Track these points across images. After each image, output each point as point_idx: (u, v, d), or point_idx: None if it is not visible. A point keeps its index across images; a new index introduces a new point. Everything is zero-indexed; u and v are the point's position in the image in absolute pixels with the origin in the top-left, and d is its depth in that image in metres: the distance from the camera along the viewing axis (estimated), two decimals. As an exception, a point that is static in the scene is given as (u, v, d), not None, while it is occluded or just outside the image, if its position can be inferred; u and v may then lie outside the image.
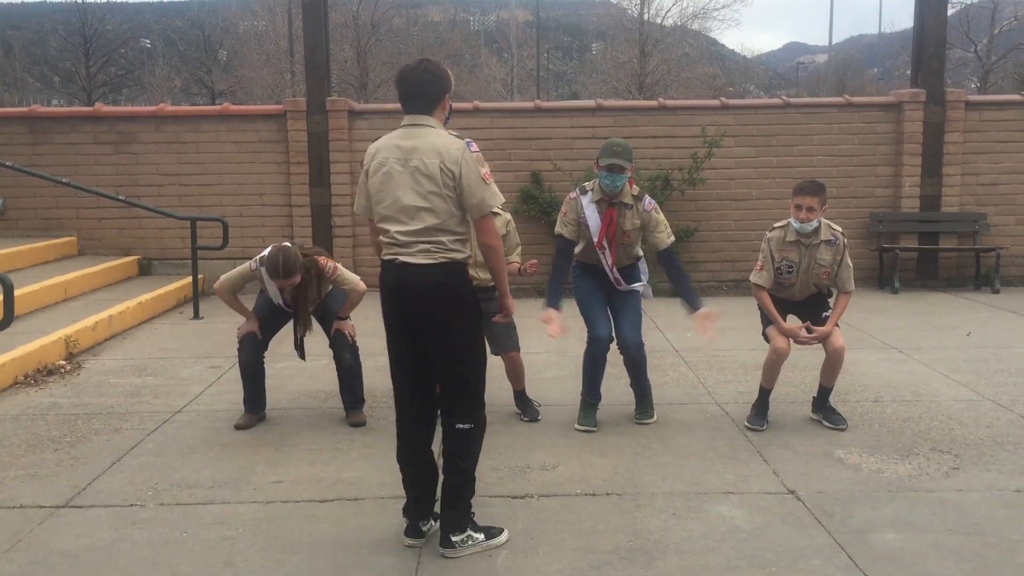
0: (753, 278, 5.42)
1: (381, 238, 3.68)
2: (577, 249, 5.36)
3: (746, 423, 5.31)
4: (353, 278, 5.46)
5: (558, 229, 5.38)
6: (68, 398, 6.05)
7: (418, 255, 3.55)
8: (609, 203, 5.20)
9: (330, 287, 5.52)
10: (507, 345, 5.46)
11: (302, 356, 5.63)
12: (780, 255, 5.27)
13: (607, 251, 5.24)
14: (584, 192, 5.29)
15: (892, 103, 10.75)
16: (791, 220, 5.21)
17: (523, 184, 10.43)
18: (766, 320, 5.43)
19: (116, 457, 4.86)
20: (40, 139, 10.55)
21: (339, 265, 5.46)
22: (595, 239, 5.21)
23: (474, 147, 3.56)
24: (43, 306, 8.16)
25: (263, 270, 5.23)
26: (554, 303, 5.16)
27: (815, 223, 5.14)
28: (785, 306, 5.37)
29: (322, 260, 5.37)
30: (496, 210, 5.24)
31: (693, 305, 5.32)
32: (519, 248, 5.53)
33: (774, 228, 5.37)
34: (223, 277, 5.43)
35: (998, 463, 4.66)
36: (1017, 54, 36.60)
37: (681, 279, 5.36)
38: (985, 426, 5.29)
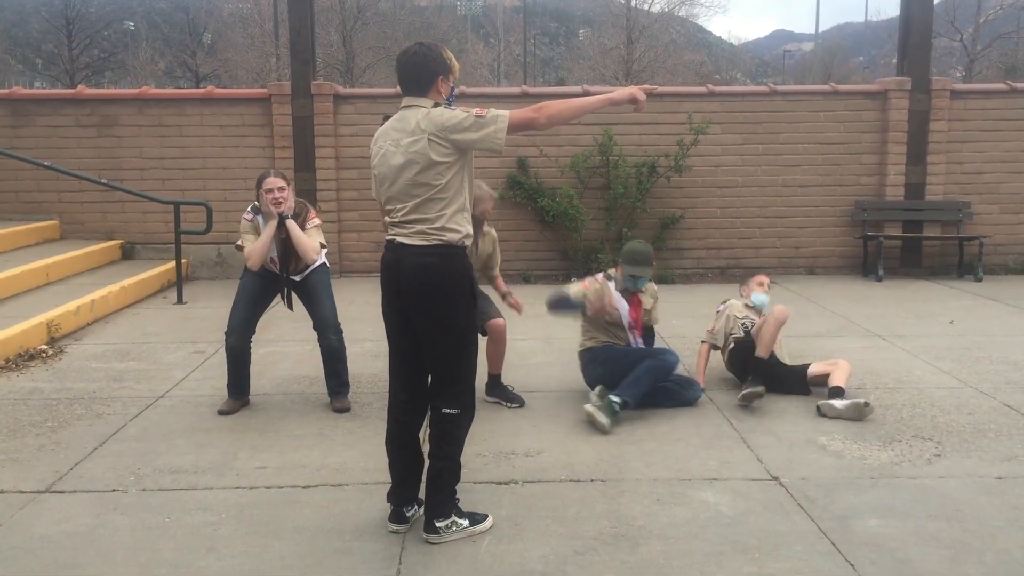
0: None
1: (386, 219, 3.71)
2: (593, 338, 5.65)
3: (739, 398, 5.37)
4: (319, 244, 5.47)
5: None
6: (50, 383, 6.01)
7: (413, 236, 3.55)
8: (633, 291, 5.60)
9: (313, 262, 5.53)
10: (490, 311, 5.50)
11: (290, 307, 5.59)
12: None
13: (634, 330, 5.58)
14: (610, 278, 5.59)
15: (878, 91, 10.77)
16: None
17: (509, 170, 10.40)
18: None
19: (98, 442, 4.83)
20: (21, 121, 10.43)
21: (320, 225, 5.57)
22: (625, 321, 5.53)
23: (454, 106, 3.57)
24: (24, 290, 8.09)
25: (259, 215, 5.33)
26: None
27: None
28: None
29: (312, 212, 5.50)
30: (487, 227, 5.48)
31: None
32: (500, 263, 5.81)
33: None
34: (246, 252, 5.34)
35: (979, 450, 4.69)
36: (1002, 43, 36.79)
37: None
38: (967, 413, 5.32)
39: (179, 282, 9.00)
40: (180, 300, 8.88)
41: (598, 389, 5.36)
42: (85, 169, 9.97)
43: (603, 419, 4.98)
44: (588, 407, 5.09)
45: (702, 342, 6.02)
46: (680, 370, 5.72)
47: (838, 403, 5.21)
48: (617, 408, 5.06)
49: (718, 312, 6.06)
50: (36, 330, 6.86)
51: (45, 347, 6.78)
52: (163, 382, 6.03)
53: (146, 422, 5.19)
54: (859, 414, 5.16)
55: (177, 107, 10.53)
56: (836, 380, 5.43)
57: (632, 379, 5.20)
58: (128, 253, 10.43)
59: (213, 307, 8.56)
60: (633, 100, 3.76)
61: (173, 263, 9.29)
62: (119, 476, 4.35)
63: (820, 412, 5.26)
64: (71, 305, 7.54)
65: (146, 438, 4.90)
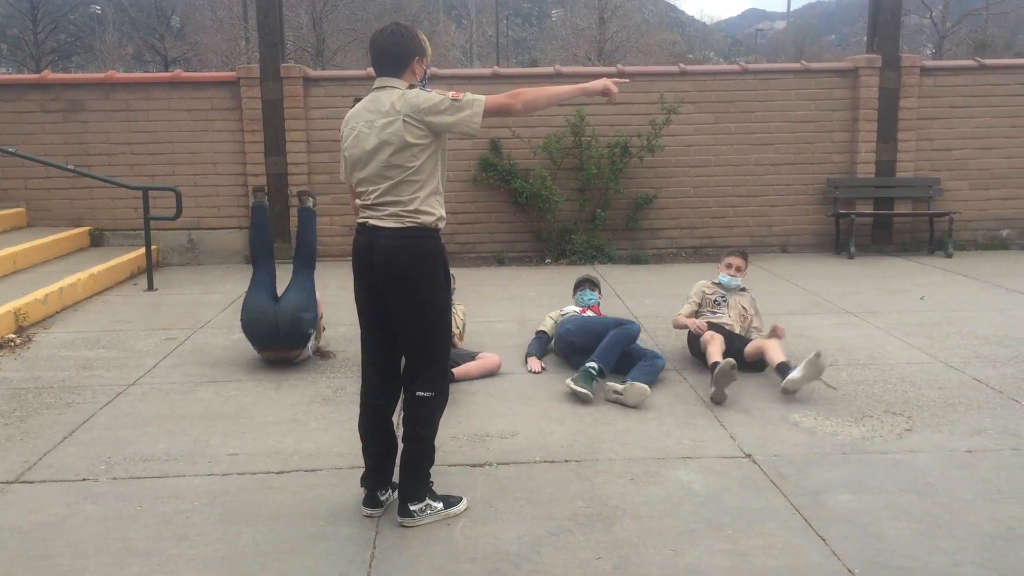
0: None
1: (357, 201, 3.67)
2: None
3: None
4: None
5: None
6: (18, 372, 5.93)
7: (387, 218, 3.51)
8: None
9: None
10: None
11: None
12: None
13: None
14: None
15: (848, 69, 10.80)
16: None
17: (482, 152, 10.35)
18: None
19: (68, 431, 4.77)
20: (-16, 107, 10.26)
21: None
22: None
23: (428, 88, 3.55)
24: (-9, 279, 7.97)
25: None
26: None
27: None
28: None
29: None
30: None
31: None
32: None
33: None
34: None
35: (949, 424, 4.74)
36: (971, 20, 37.05)
37: None
38: (937, 388, 5.37)
39: (149, 269, 8.88)
40: (151, 287, 8.78)
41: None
42: (51, 155, 9.82)
43: (583, 388, 5.13)
44: (568, 382, 5.22)
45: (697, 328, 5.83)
46: (646, 342, 5.73)
47: (795, 374, 5.12)
48: (594, 373, 5.23)
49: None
50: (3, 319, 6.76)
51: (13, 336, 6.68)
52: (134, 370, 5.97)
53: (116, 410, 5.13)
54: (818, 369, 5.07)
55: (144, 91, 10.38)
56: (775, 357, 5.41)
57: (604, 347, 5.40)
58: (97, 240, 10.30)
59: (184, 293, 8.48)
60: (606, 92, 3.84)
61: (143, 249, 9.18)
62: (90, 465, 4.30)
63: (786, 391, 5.15)
64: (39, 293, 7.44)
65: (117, 426, 4.85)
